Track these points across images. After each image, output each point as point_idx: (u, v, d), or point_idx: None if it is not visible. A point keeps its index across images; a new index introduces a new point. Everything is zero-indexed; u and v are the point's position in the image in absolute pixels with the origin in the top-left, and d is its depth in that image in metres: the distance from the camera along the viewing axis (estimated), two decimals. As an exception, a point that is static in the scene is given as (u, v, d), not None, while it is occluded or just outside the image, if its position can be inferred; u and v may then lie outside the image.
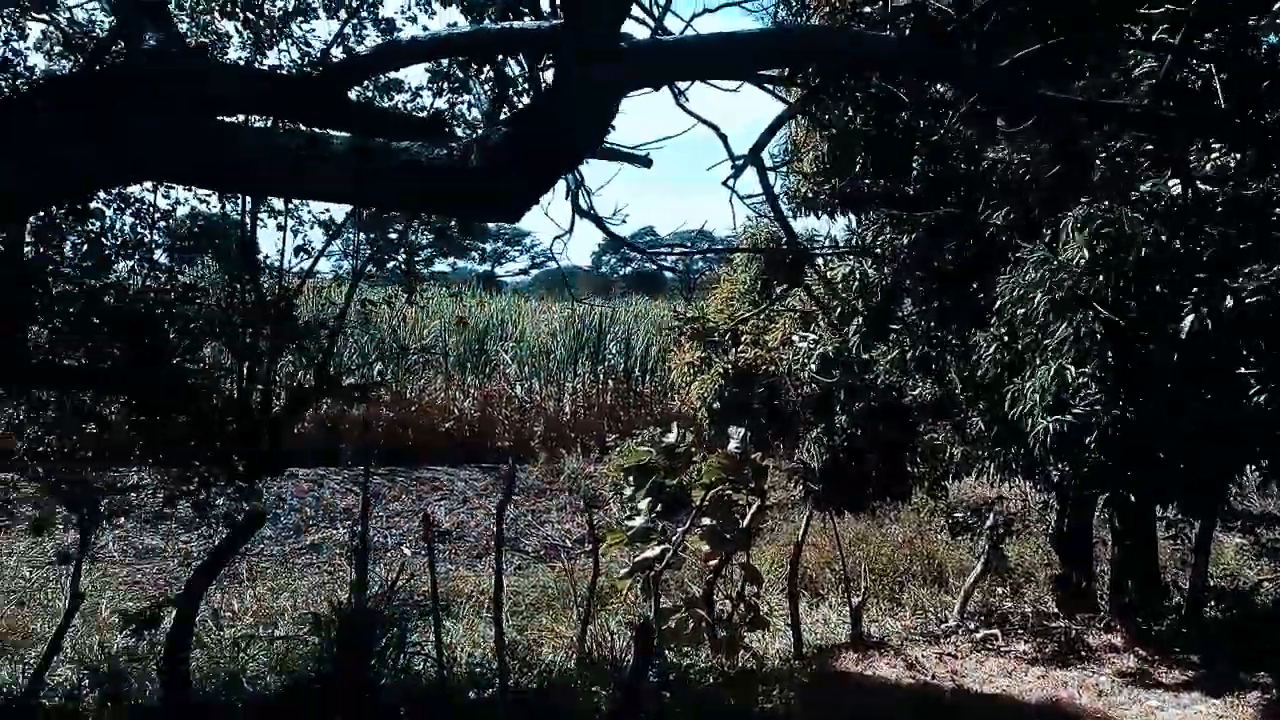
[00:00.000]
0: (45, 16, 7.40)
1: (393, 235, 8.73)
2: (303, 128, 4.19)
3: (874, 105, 8.61)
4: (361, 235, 8.76)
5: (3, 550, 11.53)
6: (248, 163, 3.32)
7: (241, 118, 5.62)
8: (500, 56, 4.64)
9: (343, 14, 7.90)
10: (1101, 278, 7.10)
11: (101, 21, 7.62)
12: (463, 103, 7.95)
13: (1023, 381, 7.53)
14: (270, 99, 4.06)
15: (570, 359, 21.87)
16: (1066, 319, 7.28)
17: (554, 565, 11.67)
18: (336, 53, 7.47)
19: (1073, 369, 7.20)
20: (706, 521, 8.27)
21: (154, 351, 6.88)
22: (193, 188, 7.50)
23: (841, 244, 10.98)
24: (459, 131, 6.69)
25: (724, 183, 5.65)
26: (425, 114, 7.30)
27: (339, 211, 8.29)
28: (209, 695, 7.17)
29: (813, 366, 10.24)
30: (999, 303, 7.82)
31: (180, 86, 3.39)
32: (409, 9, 8.10)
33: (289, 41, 7.89)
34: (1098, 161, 7.44)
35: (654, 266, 56.05)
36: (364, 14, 7.95)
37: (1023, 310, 7.54)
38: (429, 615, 7.64)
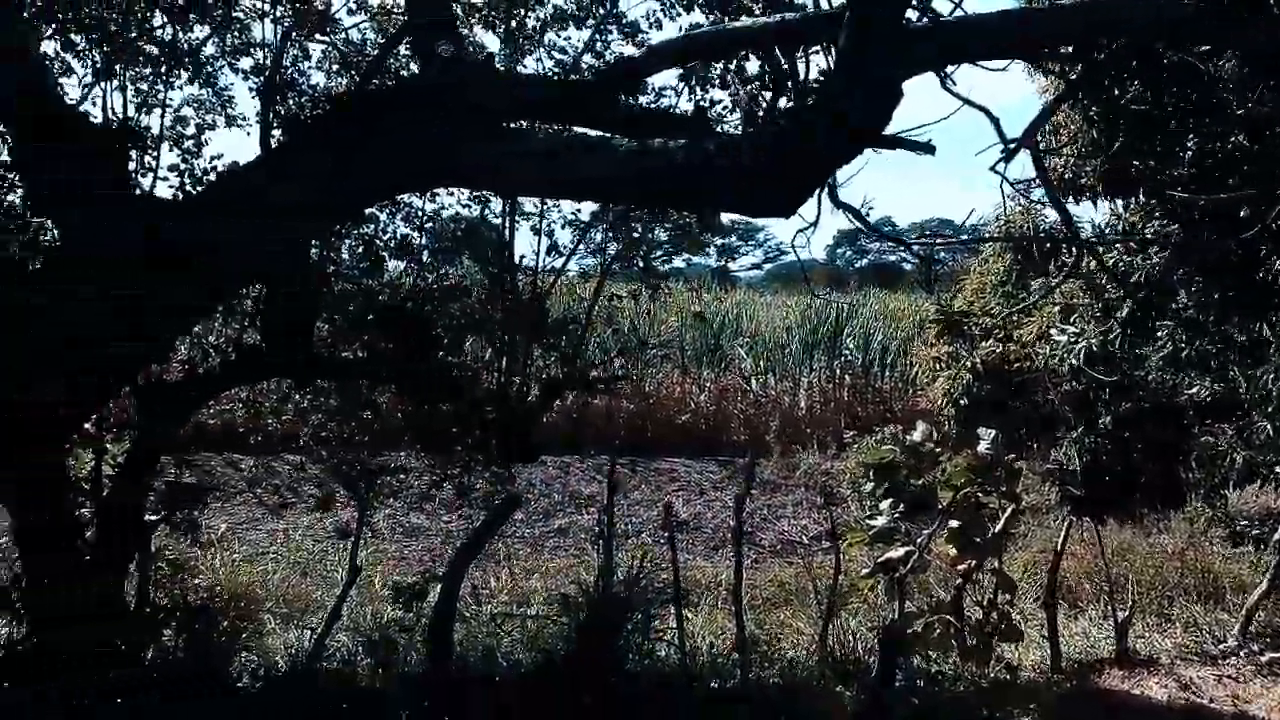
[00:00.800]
0: (325, 38, 8.12)
1: (634, 234, 8.96)
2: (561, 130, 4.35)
3: (1145, 80, 7.92)
4: (603, 233, 9.06)
5: (289, 525, 12.79)
6: (525, 166, 3.48)
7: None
8: (770, 51, 4.61)
9: (591, 22, 8.19)
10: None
11: (372, 40, 8.27)
12: (705, 100, 8.03)
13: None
14: (541, 105, 4.24)
15: (806, 353, 21.62)
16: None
17: (790, 561, 11.59)
18: (587, 58, 7.74)
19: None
20: (954, 524, 7.94)
21: (422, 346, 7.40)
22: (453, 190, 8.03)
23: (1105, 230, 10.20)
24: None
25: (992, 168, 5.39)
26: (671, 110, 7.41)
27: (585, 213, 8.62)
28: (468, 667, 7.64)
29: (1074, 362, 9.57)
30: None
31: (461, 97, 3.61)
32: (651, 15, 8.27)
33: (542, 49, 8.26)
34: None
35: (894, 258, 54.74)
36: (609, 22, 8.20)
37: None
38: (669, 603, 7.78)
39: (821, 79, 4.63)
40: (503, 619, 8.36)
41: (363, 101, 5.18)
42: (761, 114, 4.28)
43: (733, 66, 6.37)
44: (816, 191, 3.77)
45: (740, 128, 5.11)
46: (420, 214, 8.32)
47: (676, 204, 6.23)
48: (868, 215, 5.15)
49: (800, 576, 9.72)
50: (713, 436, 18.39)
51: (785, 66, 4.58)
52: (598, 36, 8.14)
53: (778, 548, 12.95)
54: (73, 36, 6.80)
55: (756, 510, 14.42)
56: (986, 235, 12.09)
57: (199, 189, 6.66)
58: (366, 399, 7.91)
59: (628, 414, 18.14)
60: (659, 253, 9.47)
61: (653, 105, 8.22)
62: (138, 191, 6.12)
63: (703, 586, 10.19)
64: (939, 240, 11.24)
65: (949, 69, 4.67)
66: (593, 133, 3.99)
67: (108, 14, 6.81)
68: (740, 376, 20.91)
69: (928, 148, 4.12)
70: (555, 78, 7.08)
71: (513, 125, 4.94)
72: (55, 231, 5.51)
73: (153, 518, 6.93)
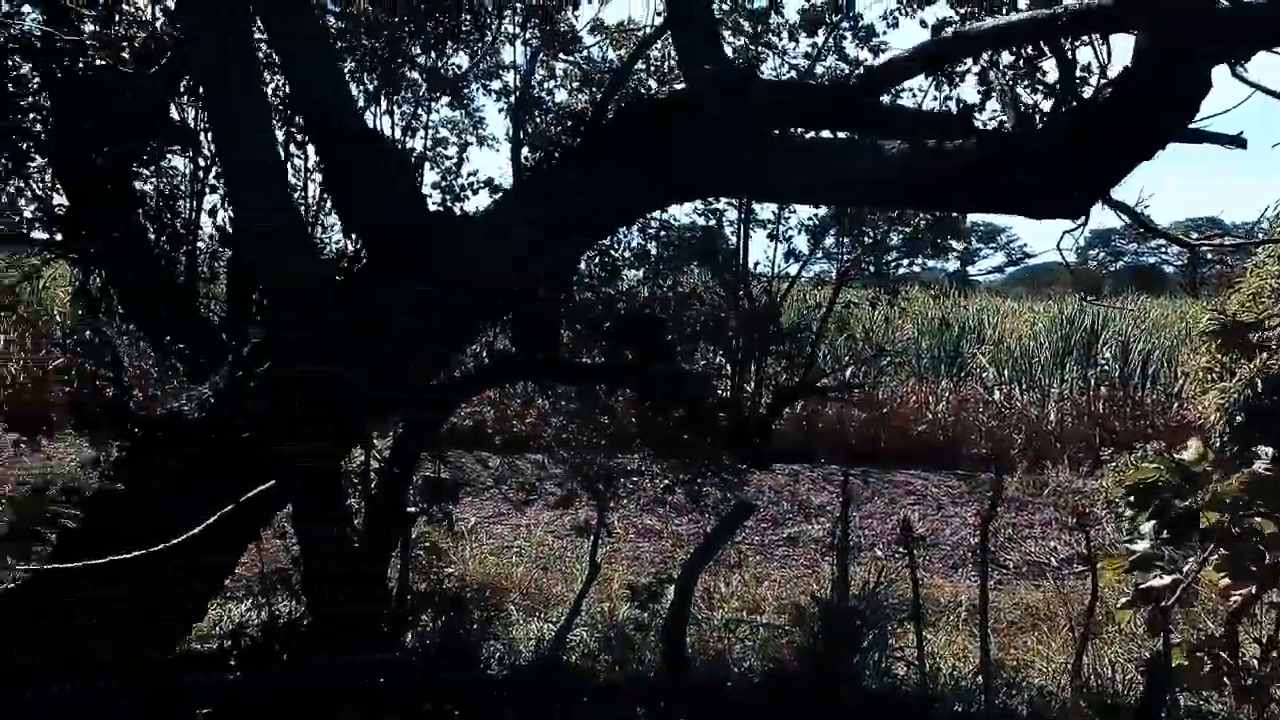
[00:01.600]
0: (569, 57, 8.46)
1: (870, 238, 8.77)
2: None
3: None
4: (837, 238, 8.91)
5: (531, 521, 13.39)
6: (783, 173, 3.46)
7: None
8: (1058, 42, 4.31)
9: (823, 28, 8.09)
10: None
11: (609, 57, 8.53)
12: (953, 97, 7.73)
13: None
14: (790, 111, 4.20)
15: (1057, 363, 20.28)
16: None
17: (1038, 584, 10.95)
18: (831, 62, 7.68)
19: None
20: (1225, 551, 7.23)
21: (658, 352, 7.56)
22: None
23: None
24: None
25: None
26: (926, 110, 7.18)
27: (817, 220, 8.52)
28: (700, 671, 7.71)
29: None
30: None
31: (714, 107, 3.64)
32: (889, 15, 8.05)
33: (775, 56, 8.25)
34: None
35: (1154, 260, 50.67)
36: (844, 27, 8.08)
37: None
38: (907, 620, 7.54)
39: (1093, 71, 4.33)
40: (735, 625, 8.39)
41: (610, 119, 5.33)
42: (1034, 112, 4.03)
43: (987, 62, 6.09)
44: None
45: (1009, 125, 4.83)
46: (655, 222, 8.52)
47: (949, 206, 6.00)
48: (1144, 214, 4.72)
49: (1050, 601, 9.15)
50: (951, 449, 17.60)
51: (1066, 61, 4.27)
52: (832, 42, 8.06)
53: (1023, 569, 12.24)
54: (343, 63, 7.46)
55: (1001, 529, 13.69)
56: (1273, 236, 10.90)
57: (461, 206, 7.13)
58: (604, 403, 8.17)
59: (860, 423, 17.70)
60: (894, 256, 9.24)
61: (893, 105, 8.03)
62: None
63: (941, 606, 9.80)
64: (1240, 242, 10.13)
65: (1243, 56, 4.23)
66: (851, 135, 3.91)
67: (377, 43, 7.42)
68: (981, 386, 19.94)
69: (1239, 141, 3.71)
70: (829, 81, 7.01)
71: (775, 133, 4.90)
72: (359, 246, 5.98)
73: (413, 510, 7.45)
